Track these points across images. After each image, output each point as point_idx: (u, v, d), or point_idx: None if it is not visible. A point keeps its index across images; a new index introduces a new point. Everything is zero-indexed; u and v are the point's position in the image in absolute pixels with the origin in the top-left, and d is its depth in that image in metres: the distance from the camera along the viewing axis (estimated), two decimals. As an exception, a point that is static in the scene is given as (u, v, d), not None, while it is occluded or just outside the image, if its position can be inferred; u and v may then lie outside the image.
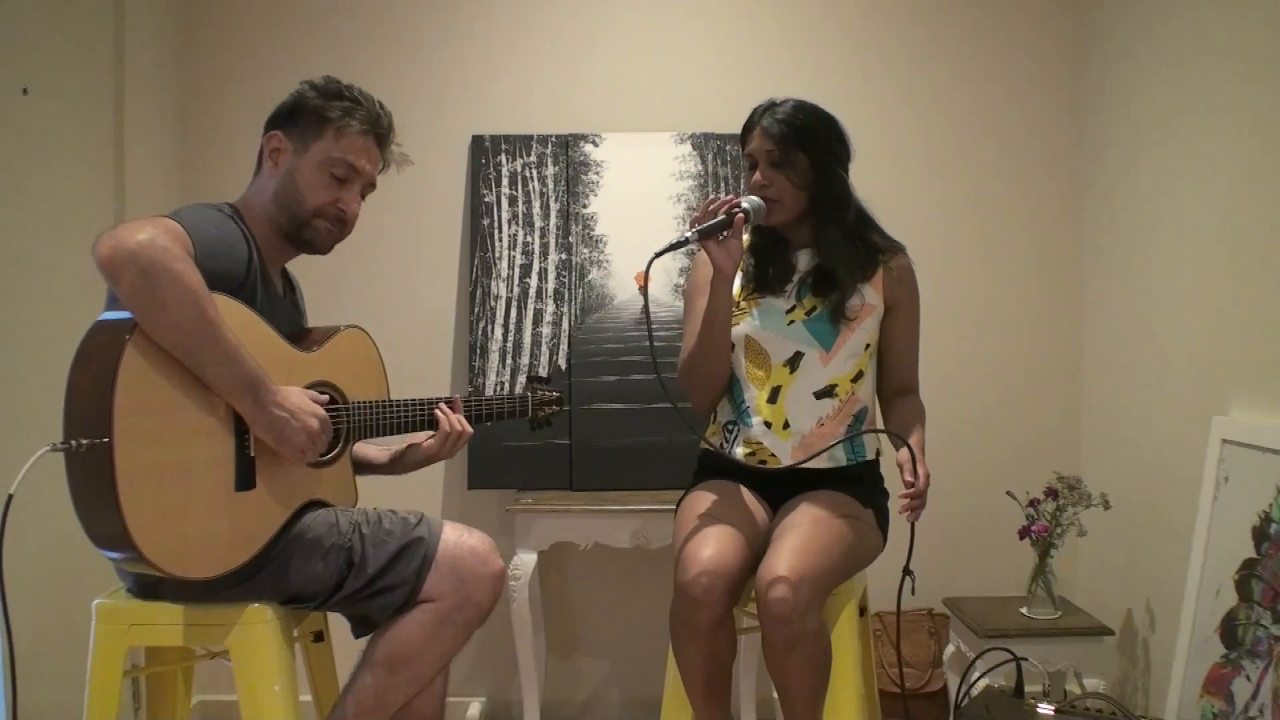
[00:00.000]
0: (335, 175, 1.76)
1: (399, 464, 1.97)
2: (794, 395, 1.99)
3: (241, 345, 1.55)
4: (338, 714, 1.71)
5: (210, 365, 1.53)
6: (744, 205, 1.90)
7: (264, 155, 1.78)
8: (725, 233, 1.87)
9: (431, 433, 1.90)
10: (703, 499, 1.96)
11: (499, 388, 2.73)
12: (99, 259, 1.46)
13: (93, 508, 1.50)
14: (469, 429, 1.91)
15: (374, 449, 1.98)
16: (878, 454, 2.07)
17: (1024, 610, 2.52)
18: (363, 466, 1.97)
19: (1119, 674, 2.62)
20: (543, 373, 2.72)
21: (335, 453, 1.77)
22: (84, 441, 1.44)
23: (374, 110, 1.80)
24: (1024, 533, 2.51)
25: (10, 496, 1.42)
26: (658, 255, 1.83)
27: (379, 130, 1.80)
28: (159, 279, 1.45)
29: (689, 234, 1.84)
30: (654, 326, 2.76)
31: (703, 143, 2.83)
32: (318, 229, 1.77)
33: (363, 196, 1.82)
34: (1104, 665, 2.52)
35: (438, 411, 1.89)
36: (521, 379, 2.72)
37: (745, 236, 2.14)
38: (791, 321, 2.01)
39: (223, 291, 1.57)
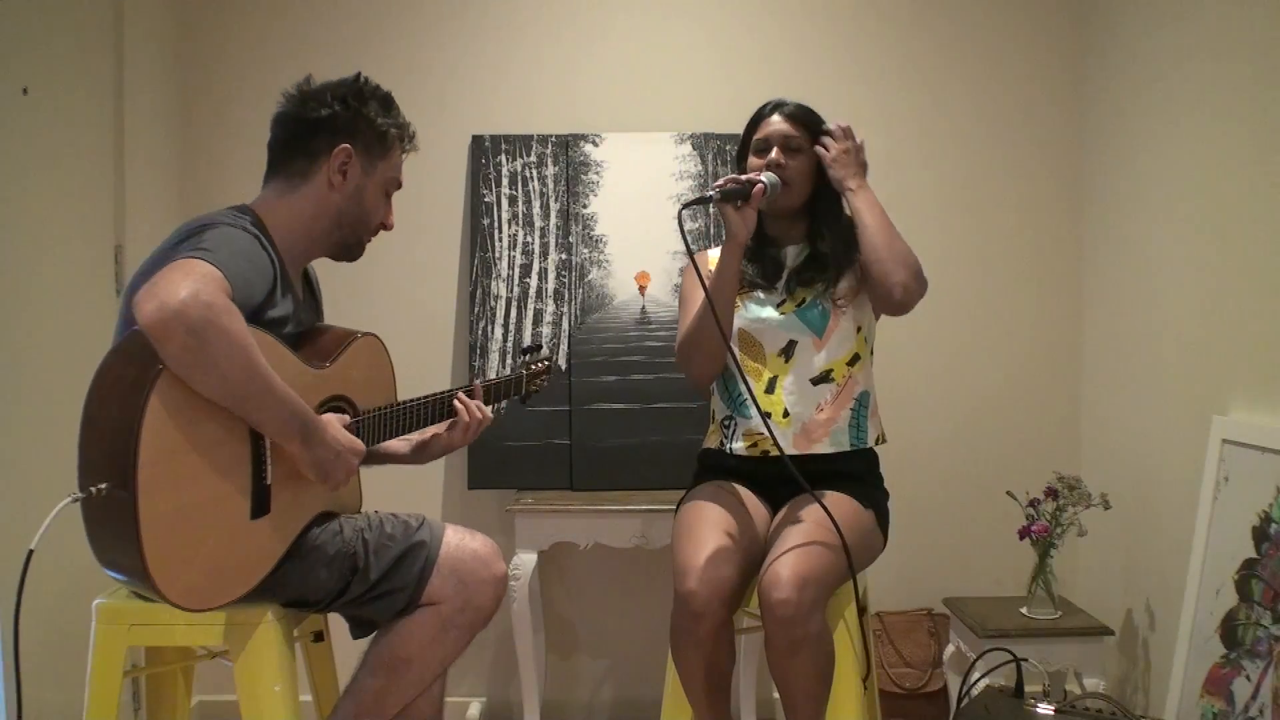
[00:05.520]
0: (388, 193, 1.81)
1: (422, 454, 1.99)
2: (791, 384, 2.01)
3: (287, 387, 1.52)
4: (338, 716, 1.71)
5: (259, 411, 1.51)
6: (763, 179, 1.95)
7: (323, 165, 1.72)
8: (742, 202, 1.91)
9: (449, 421, 1.93)
10: (701, 505, 1.95)
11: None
12: (144, 322, 1.38)
13: (111, 547, 1.48)
14: (489, 415, 1.93)
15: (396, 441, 1.99)
16: (879, 440, 2.08)
17: (1024, 610, 2.52)
18: (385, 458, 1.99)
19: (1119, 674, 2.62)
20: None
21: None
22: (103, 488, 1.41)
23: (408, 124, 1.82)
24: (1024, 533, 2.50)
25: (30, 552, 1.40)
26: (685, 206, 1.86)
27: (413, 144, 1.85)
28: (208, 337, 1.40)
29: (713, 191, 1.88)
30: (653, 327, 2.76)
31: (703, 143, 2.83)
32: (365, 243, 1.82)
33: None
34: (1104, 665, 2.52)
35: (457, 402, 1.91)
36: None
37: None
38: (784, 313, 2.03)
39: (248, 318, 1.53)
